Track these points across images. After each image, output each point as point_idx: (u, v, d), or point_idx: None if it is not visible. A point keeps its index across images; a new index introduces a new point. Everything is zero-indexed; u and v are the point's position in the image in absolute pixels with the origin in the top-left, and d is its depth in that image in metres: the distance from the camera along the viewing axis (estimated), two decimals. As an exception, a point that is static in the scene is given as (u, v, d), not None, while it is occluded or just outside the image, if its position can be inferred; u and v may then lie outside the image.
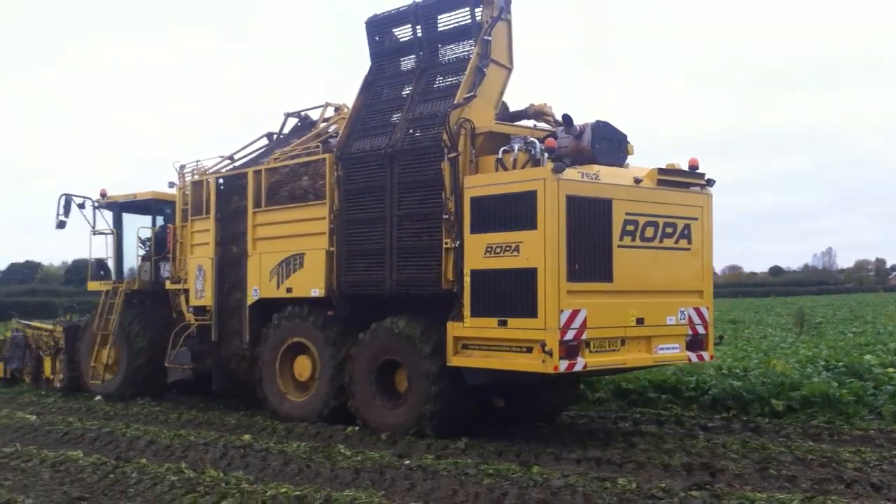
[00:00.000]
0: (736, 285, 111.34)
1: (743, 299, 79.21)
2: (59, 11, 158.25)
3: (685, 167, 12.61)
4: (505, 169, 11.70)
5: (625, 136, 12.42)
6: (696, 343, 12.40)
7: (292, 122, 16.18)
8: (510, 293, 11.26)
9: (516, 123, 13.19)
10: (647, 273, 11.85)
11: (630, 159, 13.48)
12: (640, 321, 11.71)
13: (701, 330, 12.43)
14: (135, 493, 9.23)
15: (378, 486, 9.34)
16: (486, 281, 11.52)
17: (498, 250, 11.38)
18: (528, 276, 11.05)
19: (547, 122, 13.33)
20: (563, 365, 10.83)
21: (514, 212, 11.23)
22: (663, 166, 12.53)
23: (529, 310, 11.02)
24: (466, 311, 11.68)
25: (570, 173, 11.14)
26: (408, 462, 10.21)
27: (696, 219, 12.43)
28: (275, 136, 16.20)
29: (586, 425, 13.34)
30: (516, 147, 11.71)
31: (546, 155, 11.29)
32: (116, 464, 10.46)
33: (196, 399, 16.36)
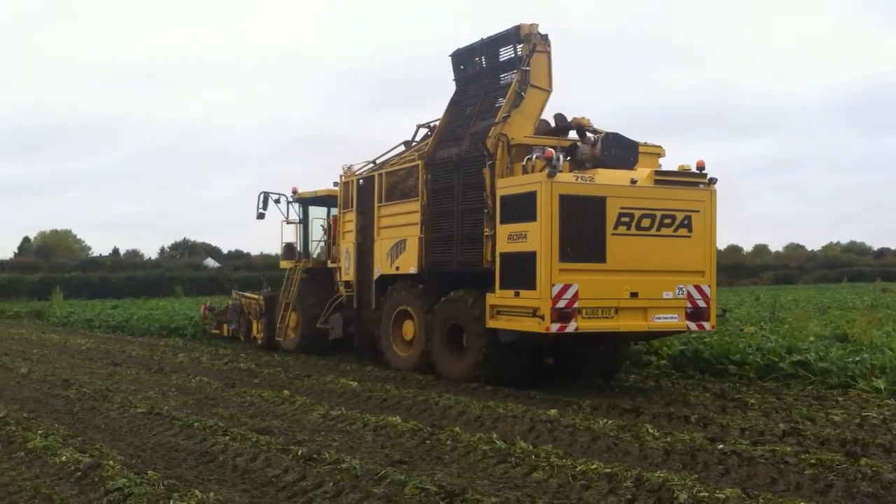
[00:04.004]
0: None
1: None
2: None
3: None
4: (527, 173, 14.82)
5: (636, 144, 15.15)
6: (696, 314, 14.85)
7: (423, 131, 19.75)
8: (521, 271, 14.38)
9: (560, 135, 16.14)
10: (642, 256, 14.45)
11: (661, 161, 16.18)
12: (634, 295, 14.40)
13: (701, 304, 14.86)
14: (450, 459, 9.61)
15: (690, 468, 9.09)
16: (508, 261, 14.70)
17: (515, 237, 14.54)
18: (531, 257, 14.15)
19: (591, 132, 16.15)
20: (554, 327, 13.84)
21: (523, 207, 14.34)
22: (675, 167, 15.18)
23: (531, 284, 14.14)
24: (497, 285, 14.91)
25: (564, 177, 14.10)
26: (721, 446, 9.87)
27: (697, 211, 14.85)
28: (410, 144, 19.90)
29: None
30: (535, 156, 14.77)
31: (557, 161, 14.29)
32: (432, 431, 10.86)
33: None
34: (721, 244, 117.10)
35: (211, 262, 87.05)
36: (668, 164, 15.84)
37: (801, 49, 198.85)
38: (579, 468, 8.82)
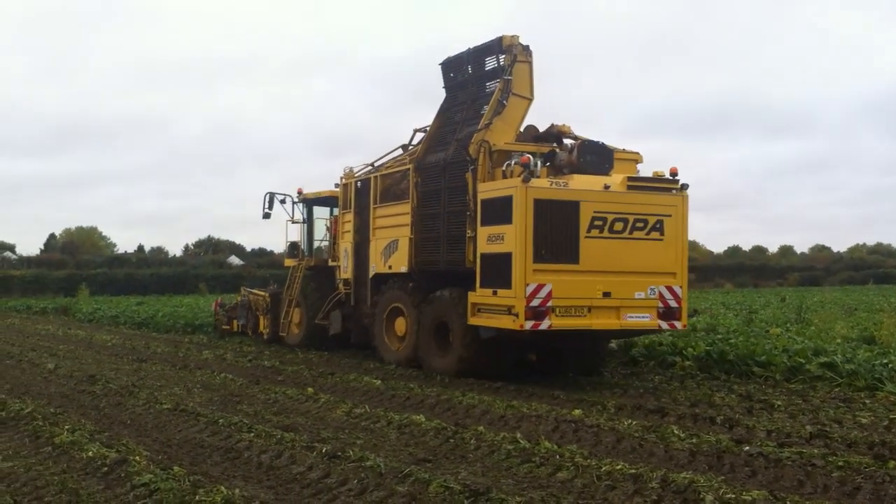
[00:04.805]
0: None
1: None
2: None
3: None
4: (506, 178, 15.59)
5: (611, 151, 15.88)
6: (668, 314, 15.55)
7: (419, 135, 20.52)
8: (498, 271, 15.15)
9: (537, 142, 16.90)
10: (615, 257, 15.14)
11: (640, 167, 16.91)
12: (606, 294, 15.12)
13: (673, 304, 15.56)
14: (474, 458, 9.62)
15: (716, 470, 9.04)
16: (487, 261, 15.48)
17: (493, 239, 15.31)
18: (507, 258, 14.92)
19: (571, 139, 16.90)
20: (528, 325, 14.58)
21: (501, 211, 15.11)
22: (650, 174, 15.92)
23: (507, 283, 14.92)
24: (477, 284, 15.69)
25: (539, 182, 14.84)
26: (747, 448, 9.81)
27: (669, 215, 15.55)
28: (407, 147, 20.70)
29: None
30: (514, 161, 15.55)
31: (534, 167, 15.05)
32: (455, 429, 10.87)
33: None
34: (746, 245, 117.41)
35: (235, 260, 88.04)
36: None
37: (828, 50, 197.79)
38: (604, 468, 8.80)
